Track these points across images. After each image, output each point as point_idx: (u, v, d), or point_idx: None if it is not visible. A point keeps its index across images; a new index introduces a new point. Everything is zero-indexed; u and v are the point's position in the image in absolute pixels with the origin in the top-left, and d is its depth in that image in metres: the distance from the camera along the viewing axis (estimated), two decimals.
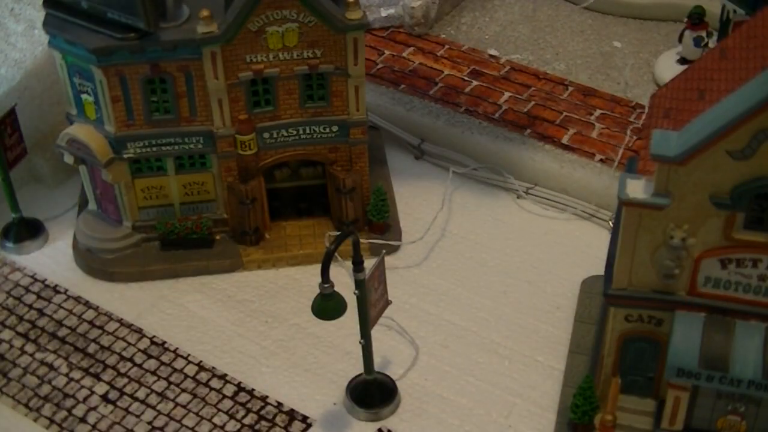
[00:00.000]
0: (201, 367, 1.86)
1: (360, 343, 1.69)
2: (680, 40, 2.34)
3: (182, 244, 2.02)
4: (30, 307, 1.98)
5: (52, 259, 2.08)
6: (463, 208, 2.15)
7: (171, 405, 1.80)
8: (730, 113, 1.32)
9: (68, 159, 1.98)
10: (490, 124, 2.24)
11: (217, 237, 2.04)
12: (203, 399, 1.76)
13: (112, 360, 1.88)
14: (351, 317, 1.93)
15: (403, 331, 1.89)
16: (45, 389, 1.83)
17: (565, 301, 1.94)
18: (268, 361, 1.85)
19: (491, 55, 2.46)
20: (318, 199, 2.06)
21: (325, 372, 1.83)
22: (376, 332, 1.90)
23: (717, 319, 1.50)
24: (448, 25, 2.55)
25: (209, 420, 1.77)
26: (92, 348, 1.90)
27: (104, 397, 1.82)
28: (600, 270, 1.63)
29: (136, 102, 1.86)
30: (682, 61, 2.32)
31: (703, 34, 2.30)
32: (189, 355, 1.88)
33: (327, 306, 1.59)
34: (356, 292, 1.57)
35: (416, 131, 2.27)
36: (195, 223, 2.01)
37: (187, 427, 1.76)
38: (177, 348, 1.89)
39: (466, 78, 2.38)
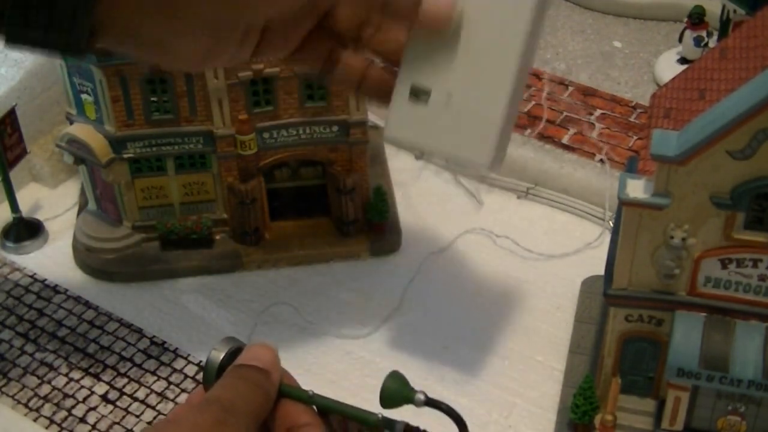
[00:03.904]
0: (201, 367, 1.86)
1: None
2: (680, 40, 2.34)
3: (182, 244, 2.02)
4: (30, 307, 1.98)
5: (52, 259, 2.08)
6: (463, 208, 2.15)
7: (171, 405, 1.80)
8: (730, 113, 1.32)
9: (68, 159, 1.97)
10: None
11: (217, 237, 2.04)
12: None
13: (112, 360, 1.88)
14: (353, 317, 1.93)
15: (403, 332, 1.89)
16: (45, 389, 1.83)
17: (565, 301, 1.94)
18: None
19: None
20: (318, 199, 2.05)
21: (325, 372, 1.83)
22: (375, 334, 1.90)
23: (717, 319, 1.50)
24: None
25: None
26: (92, 348, 1.90)
27: (104, 397, 1.81)
28: (600, 270, 1.62)
29: (136, 102, 1.86)
30: (682, 61, 2.32)
31: (703, 34, 2.30)
32: (189, 355, 1.88)
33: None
34: None
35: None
36: (195, 223, 2.00)
37: None
38: (177, 348, 1.89)
39: None
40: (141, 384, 1.83)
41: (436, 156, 0.78)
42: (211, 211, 2.02)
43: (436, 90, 0.76)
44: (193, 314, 1.95)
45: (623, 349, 1.60)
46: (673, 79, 1.58)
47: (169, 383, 1.83)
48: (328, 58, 0.79)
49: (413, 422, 0.72)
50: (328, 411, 0.73)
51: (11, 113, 1.99)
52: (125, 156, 1.92)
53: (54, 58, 1.89)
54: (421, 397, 0.71)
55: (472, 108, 0.75)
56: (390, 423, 0.72)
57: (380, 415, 0.71)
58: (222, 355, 0.72)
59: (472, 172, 0.66)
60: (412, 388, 0.72)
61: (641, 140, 2.10)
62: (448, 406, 0.71)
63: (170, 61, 0.73)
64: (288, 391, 0.72)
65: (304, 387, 0.75)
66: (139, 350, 1.89)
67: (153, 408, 1.79)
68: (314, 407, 0.73)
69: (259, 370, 0.70)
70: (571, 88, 2.34)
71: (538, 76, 2.39)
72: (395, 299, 1.94)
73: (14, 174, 2.05)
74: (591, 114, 2.27)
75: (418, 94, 0.77)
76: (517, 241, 2.05)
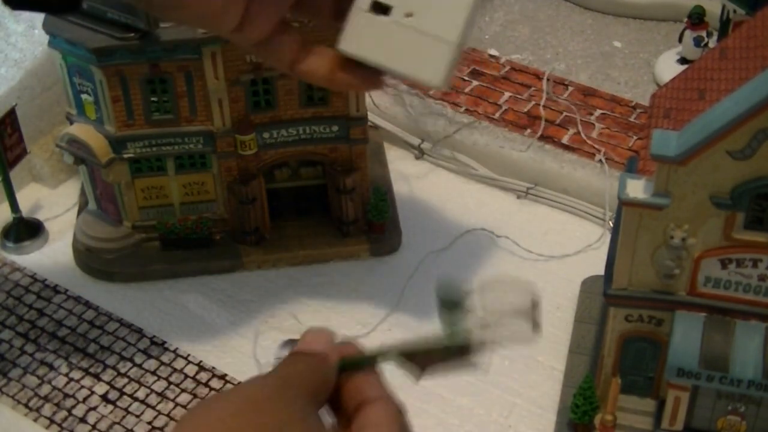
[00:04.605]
0: (201, 367, 1.86)
1: None
2: (680, 40, 2.34)
3: (182, 244, 2.02)
4: (30, 307, 1.98)
5: (52, 259, 2.08)
6: (463, 209, 2.15)
7: (171, 405, 1.80)
8: (730, 113, 1.32)
9: (68, 159, 1.97)
10: (490, 124, 2.24)
11: (217, 237, 2.04)
12: (203, 399, 1.76)
13: (112, 360, 1.88)
14: (353, 317, 1.93)
15: (403, 331, 1.89)
16: (45, 389, 1.83)
17: (565, 301, 1.94)
18: (268, 361, 1.85)
19: (491, 55, 2.46)
20: (318, 199, 2.05)
21: None
22: (375, 333, 1.90)
23: (717, 319, 1.50)
24: None
25: None
26: (92, 348, 1.90)
27: (104, 397, 1.82)
28: (600, 270, 1.62)
29: (136, 102, 1.86)
30: (682, 61, 2.32)
31: (703, 34, 2.30)
32: (189, 355, 1.88)
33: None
34: None
35: (416, 131, 2.27)
36: (195, 223, 2.00)
37: None
38: (177, 348, 1.89)
39: (466, 78, 2.38)
40: (141, 384, 1.83)
41: (389, 73, 0.79)
42: (211, 211, 2.02)
43: (397, 7, 0.77)
44: (193, 314, 1.95)
45: (623, 349, 1.60)
46: (673, 79, 1.58)
47: (169, 383, 1.83)
48: (297, 52, 0.81)
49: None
50: (409, 355, 0.73)
51: (11, 113, 1.99)
52: (125, 156, 1.92)
53: (54, 59, 1.89)
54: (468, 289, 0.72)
55: (430, 29, 0.77)
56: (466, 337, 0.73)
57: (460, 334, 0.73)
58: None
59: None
60: (461, 293, 0.73)
61: (641, 140, 2.10)
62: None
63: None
64: (354, 362, 0.72)
65: None
66: (139, 350, 1.89)
67: (153, 408, 1.79)
68: (389, 363, 0.73)
69: (315, 354, 0.70)
70: (571, 88, 2.34)
71: (538, 76, 2.39)
72: (395, 299, 1.94)
73: (14, 174, 2.05)
74: (591, 114, 2.27)
75: (378, 10, 0.78)
76: (517, 241, 2.05)
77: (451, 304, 0.73)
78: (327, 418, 0.70)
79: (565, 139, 2.20)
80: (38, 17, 2.01)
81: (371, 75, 0.79)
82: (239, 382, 0.70)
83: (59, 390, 1.82)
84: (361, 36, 0.78)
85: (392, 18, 0.77)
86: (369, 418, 0.69)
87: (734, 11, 2.04)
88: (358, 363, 0.72)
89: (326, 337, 0.72)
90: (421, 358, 0.74)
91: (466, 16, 0.76)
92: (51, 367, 1.86)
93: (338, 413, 0.71)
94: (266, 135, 1.92)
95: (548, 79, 2.35)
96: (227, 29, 0.77)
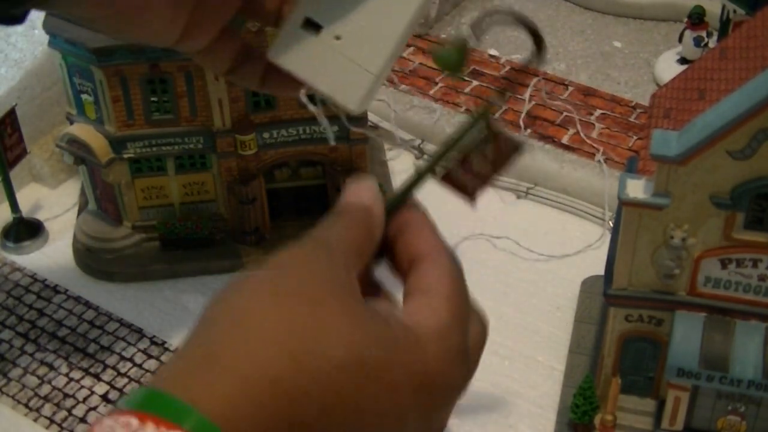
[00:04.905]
0: None
1: None
2: (680, 40, 2.34)
3: (182, 244, 2.02)
4: (30, 307, 1.98)
5: (52, 259, 2.08)
6: (463, 209, 2.14)
7: None
8: (730, 113, 1.32)
9: (68, 159, 1.98)
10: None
11: (217, 237, 2.04)
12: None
13: (112, 360, 1.88)
14: None
15: None
16: (45, 389, 1.83)
17: (565, 301, 1.94)
18: None
19: (491, 55, 2.46)
20: (318, 199, 2.05)
21: None
22: None
23: (717, 319, 1.50)
24: (448, 25, 2.55)
25: None
26: (92, 348, 1.90)
27: (104, 397, 1.82)
28: (600, 270, 1.63)
29: (136, 102, 1.86)
30: (682, 61, 2.32)
31: (703, 34, 2.30)
32: None
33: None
34: None
35: (416, 131, 2.27)
36: (195, 223, 2.00)
37: None
38: (177, 348, 1.89)
39: (466, 78, 2.38)
40: (141, 384, 1.83)
41: (311, 89, 0.81)
42: (211, 211, 2.02)
43: (327, 29, 0.79)
44: (193, 314, 1.95)
45: (623, 349, 1.60)
46: (673, 79, 1.58)
47: None
48: (237, 56, 0.82)
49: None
50: (449, 175, 0.77)
51: (11, 113, 1.99)
52: (125, 156, 1.92)
53: (54, 59, 1.89)
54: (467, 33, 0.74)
55: (355, 56, 0.79)
56: (486, 113, 0.76)
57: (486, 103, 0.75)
58: None
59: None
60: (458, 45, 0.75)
61: (641, 140, 2.10)
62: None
63: (132, 17, 0.72)
64: (397, 200, 0.73)
65: None
66: (139, 350, 1.89)
67: None
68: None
69: (358, 207, 0.67)
70: (571, 88, 2.35)
71: (538, 76, 2.39)
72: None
73: (14, 174, 2.05)
74: (591, 114, 2.27)
75: (309, 28, 0.79)
76: (517, 241, 2.05)
77: (454, 58, 0.75)
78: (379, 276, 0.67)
79: (564, 139, 2.20)
80: (38, 17, 2.01)
81: (296, 84, 0.81)
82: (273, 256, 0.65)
83: (59, 390, 1.82)
84: (290, 50, 0.79)
85: (321, 38, 0.79)
86: (419, 281, 0.66)
87: (734, 11, 2.04)
88: (401, 198, 0.72)
89: (368, 187, 0.69)
90: (463, 173, 0.76)
91: (391, 49, 0.78)
92: (51, 367, 1.86)
93: (395, 269, 0.68)
94: (266, 135, 1.92)
95: (567, 85, 2.35)
96: (170, 42, 0.77)
